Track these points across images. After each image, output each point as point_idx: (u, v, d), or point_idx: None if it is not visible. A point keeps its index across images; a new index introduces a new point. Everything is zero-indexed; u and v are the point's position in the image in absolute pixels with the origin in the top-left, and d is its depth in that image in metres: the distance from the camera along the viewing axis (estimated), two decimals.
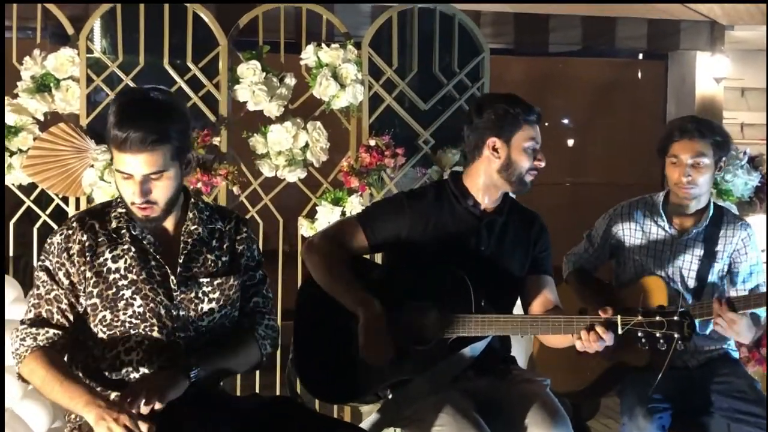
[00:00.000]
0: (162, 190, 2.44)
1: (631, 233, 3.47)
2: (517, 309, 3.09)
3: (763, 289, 3.34)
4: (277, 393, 4.28)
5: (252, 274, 2.70)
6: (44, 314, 2.47)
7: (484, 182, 2.94)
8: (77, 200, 4.16)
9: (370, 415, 3.94)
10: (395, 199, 3.07)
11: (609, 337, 2.62)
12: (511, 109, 2.90)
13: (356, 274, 2.91)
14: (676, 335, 2.57)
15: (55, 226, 4.15)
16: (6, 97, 4.07)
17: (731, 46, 6.34)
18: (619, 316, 2.61)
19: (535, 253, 3.02)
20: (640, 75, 8.34)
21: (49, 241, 2.51)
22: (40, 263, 2.52)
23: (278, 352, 4.33)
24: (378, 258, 3.70)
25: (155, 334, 2.48)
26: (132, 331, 2.47)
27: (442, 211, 2.95)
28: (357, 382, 2.93)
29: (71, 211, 4.17)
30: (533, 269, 3.02)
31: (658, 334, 2.58)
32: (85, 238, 2.47)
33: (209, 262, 2.58)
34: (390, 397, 2.92)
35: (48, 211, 4.22)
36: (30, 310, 2.49)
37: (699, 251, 3.37)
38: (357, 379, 2.91)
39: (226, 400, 2.65)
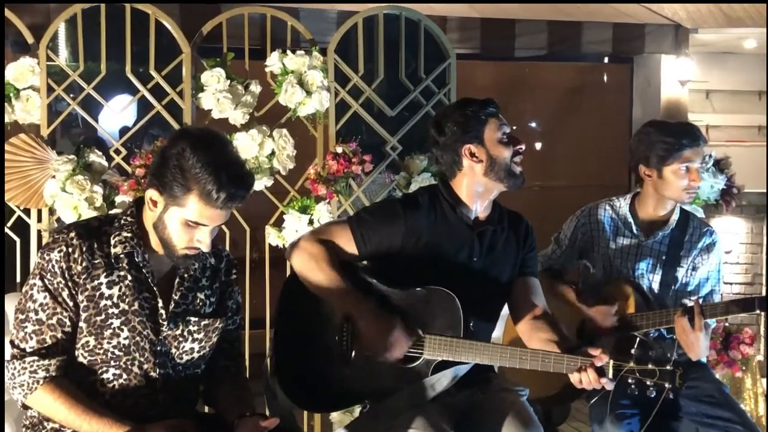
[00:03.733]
0: (213, 234, 2.46)
1: (598, 235, 3.47)
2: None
3: (717, 297, 3.35)
4: None
5: (235, 318, 2.69)
6: (49, 341, 2.38)
7: (474, 191, 2.89)
8: (39, 212, 4.09)
9: (339, 423, 3.94)
10: (389, 206, 2.97)
11: (606, 384, 2.58)
12: (468, 111, 2.87)
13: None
14: (667, 385, 2.53)
15: (17, 239, 4.12)
16: None
17: (695, 49, 6.40)
18: (611, 362, 2.58)
19: (523, 255, 3.00)
20: (606, 78, 8.38)
21: (45, 257, 2.39)
22: (38, 283, 2.39)
23: (246, 361, 4.30)
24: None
25: (135, 369, 2.44)
26: (113, 363, 2.43)
27: (436, 220, 2.89)
28: (337, 394, 2.89)
29: (33, 222, 4.10)
30: (520, 271, 3.00)
31: (649, 383, 2.54)
32: (84, 257, 2.39)
33: (198, 301, 2.55)
34: (368, 408, 2.90)
35: (9, 223, 4.14)
36: (30, 337, 2.37)
37: (664, 256, 3.37)
38: (337, 390, 2.87)
39: (202, 420, 2.62)
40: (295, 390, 2.94)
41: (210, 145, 2.36)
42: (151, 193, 2.39)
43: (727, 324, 4.45)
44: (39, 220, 4.10)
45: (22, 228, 4.14)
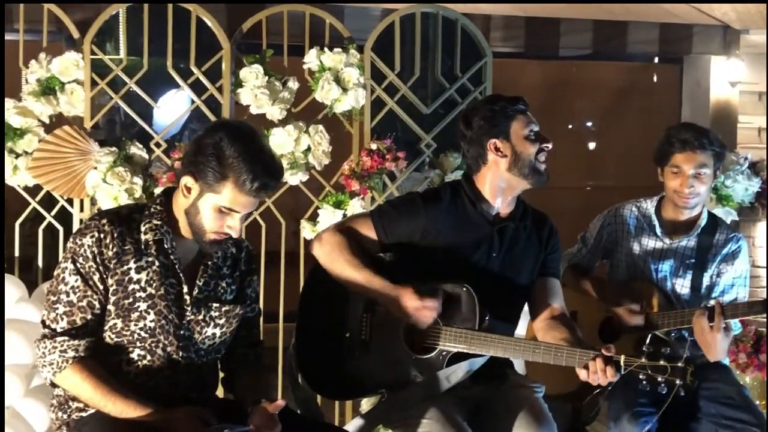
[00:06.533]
0: (243, 221, 2.58)
1: (622, 236, 3.48)
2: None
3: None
4: (280, 395, 4.32)
5: (253, 306, 2.79)
6: (79, 322, 2.48)
7: (497, 186, 2.92)
8: (81, 202, 4.21)
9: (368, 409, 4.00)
10: (410, 199, 3.02)
11: (613, 377, 2.59)
12: (495, 106, 2.91)
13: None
14: (678, 381, 2.53)
15: (60, 227, 4.25)
16: (12, 100, 4.12)
17: (747, 50, 6.29)
18: (622, 357, 2.58)
19: (545, 255, 3.02)
20: (655, 78, 8.27)
21: (78, 242, 2.49)
22: (69, 266, 2.48)
23: (279, 354, 4.38)
24: None
25: (159, 351, 2.54)
26: (138, 344, 2.53)
27: (457, 215, 2.94)
28: (355, 383, 2.97)
29: (75, 212, 4.23)
30: (541, 271, 3.02)
31: (660, 379, 2.54)
32: (115, 243, 2.49)
33: (220, 288, 2.65)
34: (385, 398, 2.95)
35: (53, 213, 4.28)
36: (61, 318, 2.48)
37: (690, 259, 3.36)
38: (355, 379, 2.95)
39: (221, 405, 2.71)
40: (315, 377, 3.01)
41: (246, 136, 2.48)
42: (186, 180, 2.49)
43: (761, 329, 4.40)
44: (81, 209, 4.22)
45: (65, 217, 4.27)
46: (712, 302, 3.10)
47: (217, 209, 2.48)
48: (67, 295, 2.48)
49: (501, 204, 2.95)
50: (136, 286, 2.51)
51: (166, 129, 4.37)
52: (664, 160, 3.37)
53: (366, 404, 4.06)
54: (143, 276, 2.51)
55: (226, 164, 2.43)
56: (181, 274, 2.56)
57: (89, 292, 2.49)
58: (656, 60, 7.09)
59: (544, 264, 3.02)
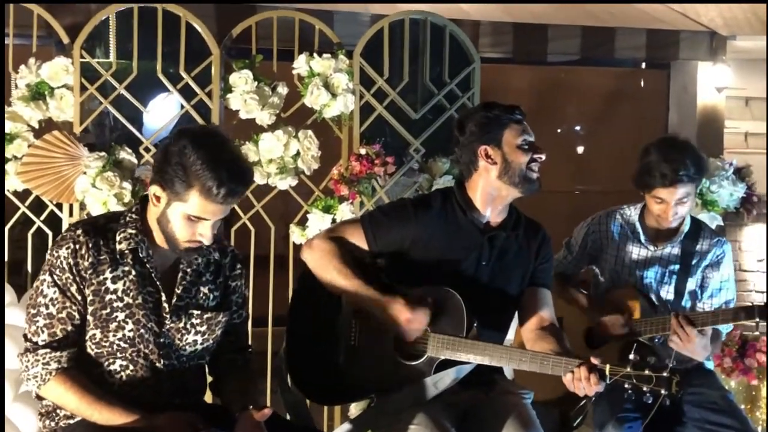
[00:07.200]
0: (216, 228, 2.54)
1: (606, 243, 3.50)
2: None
3: (731, 306, 3.35)
4: (268, 399, 4.33)
5: (240, 312, 2.77)
6: (59, 334, 2.47)
7: (487, 193, 2.92)
8: (71, 206, 4.21)
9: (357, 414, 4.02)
10: (401, 206, 3.02)
11: (598, 386, 2.59)
12: (489, 113, 2.90)
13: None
14: (663, 392, 2.53)
15: (49, 232, 4.25)
16: None
17: (734, 55, 6.34)
18: (608, 366, 2.59)
19: (536, 265, 3.01)
20: (643, 84, 8.32)
21: (54, 254, 2.48)
22: (47, 279, 2.48)
23: (269, 358, 4.39)
24: None
25: (141, 360, 2.53)
26: (119, 354, 2.52)
27: (447, 222, 2.94)
28: (345, 388, 2.98)
29: (65, 217, 4.23)
30: (532, 281, 3.01)
31: (645, 388, 2.55)
32: (90, 254, 2.48)
33: (201, 295, 2.63)
34: (373, 403, 2.97)
35: (42, 217, 4.27)
36: (41, 331, 2.47)
37: (674, 266, 3.38)
38: (345, 384, 2.96)
39: (208, 410, 2.72)
40: (305, 382, 3.02)
41: (209, 142, 2.44)
42: (155, 189, 2.47)
43: (746, 332, 4.43)
44: (70, 214, 4.22)
45: (54, 221, 4.26)
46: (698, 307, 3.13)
47: (186, 217, 2.46)
48: (47, 308, 2.48)
49: (492, 212, 2.95)
50: (113, 296, 2.50)
51: (155, 134, 4.38)
52: (646, 189, 3.33)
53: (355, 409, 4.08)
54: (120, 286, 2.50)
55: (191, 172, 2.39)
56: (158, 282, 2.55)
57: (68, 304, 2.48)
58: (644, 66, 7.16)
59: (534, 274, 3.02)
